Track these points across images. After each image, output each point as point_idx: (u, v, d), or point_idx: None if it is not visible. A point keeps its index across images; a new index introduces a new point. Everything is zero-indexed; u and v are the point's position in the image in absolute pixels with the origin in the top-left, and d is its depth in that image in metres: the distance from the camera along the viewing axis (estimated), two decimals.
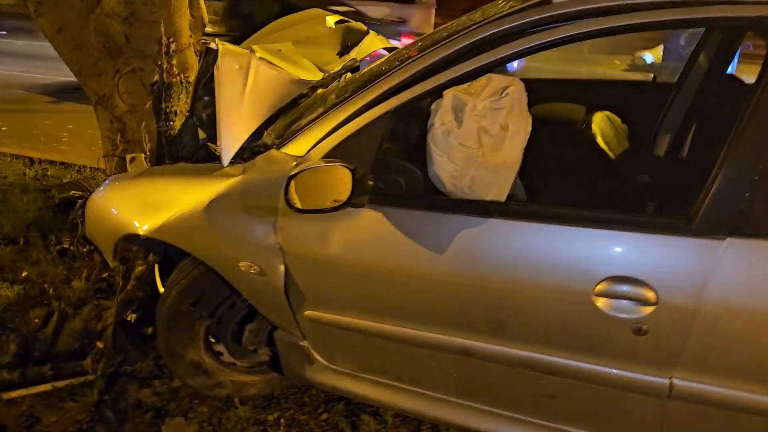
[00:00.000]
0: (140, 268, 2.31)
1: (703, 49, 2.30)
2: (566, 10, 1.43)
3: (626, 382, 1.42)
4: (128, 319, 2.33)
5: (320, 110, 1.68)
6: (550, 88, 2.65)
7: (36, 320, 2.49)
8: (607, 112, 2.39)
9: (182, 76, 2.23)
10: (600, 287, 1.35)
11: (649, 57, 9.95)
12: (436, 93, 1.56)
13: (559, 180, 1.98)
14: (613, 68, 9.97)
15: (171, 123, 2.27)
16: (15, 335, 2.33)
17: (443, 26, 1.86)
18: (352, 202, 1.46)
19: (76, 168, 4.23)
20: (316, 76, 2.03)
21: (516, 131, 1.69)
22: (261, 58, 1.79)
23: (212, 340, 2.01)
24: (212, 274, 1.81)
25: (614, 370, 1.42)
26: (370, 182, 1.50)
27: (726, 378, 1.32)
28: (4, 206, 3.39)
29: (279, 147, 1.65)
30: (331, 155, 1.55)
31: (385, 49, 2.56)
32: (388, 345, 1.68)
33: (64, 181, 3.92)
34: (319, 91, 2.01)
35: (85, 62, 2.17)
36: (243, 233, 1.67)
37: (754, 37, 2.30)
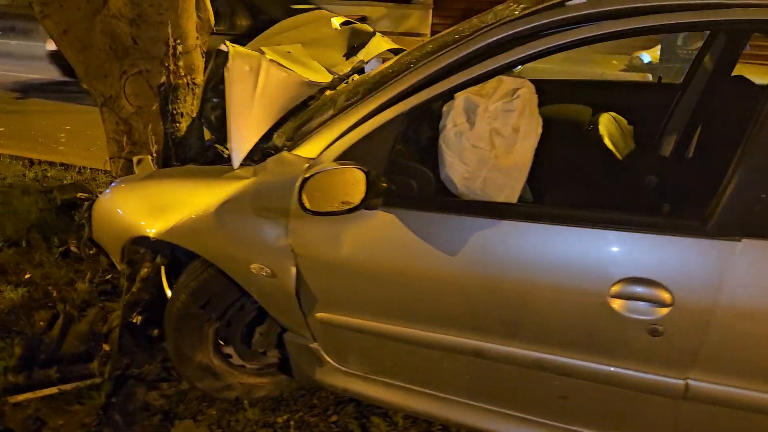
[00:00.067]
0: (146, 270, 2.31)
1: (709, 51, 2.31)
2: (580, 13, 1.43)
3: (641, 383, 1.42)
4: (134, 321, 2.33)
5: (331, 112, 1.68)
6: (555, 89, 2.65)
7: (41, 323, 2.47)
8: (612, 113, 2.40)
9: (189, 77, 2.23)
10: (615, 289, 1.35)
11: (647, 57, 10.00)
12: (450, 95, 1.56)
13: (569, 181, 1.98)
14: (611, 68, 10.01)
15: (178, 125, 2.26)
16: (20, 338, 2.32)
17: (454, 28, 1.86)
18: (366, 204, 1.46)
19: (77, 169, 4.21)
20: (326, 77, 2.02)
21: (527, 133, 1.70)
22: (271, 60, 1.78)
23: (221, 342, 2.01)
24: (222, 276, 1.81)
25: (629, 372, 1.42)
26: (384, 184, 1.49)
27: (741, 379, 1.33)
28: (5, 208, 3.37)
29: (290, 149, 1.65)
30: (344, 157, 1.55)
31: (390, 50, 2.56)
32: (399, 347, 1.68)
33: (65, 182, 3.91)
34: (328, 92, 2.01)
35: (91, 64, 2.16)
36: (254, 235, 1.66)
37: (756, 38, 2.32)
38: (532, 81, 1.74)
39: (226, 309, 1.91)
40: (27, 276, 2.78)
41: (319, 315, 1.71)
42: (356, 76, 2.24)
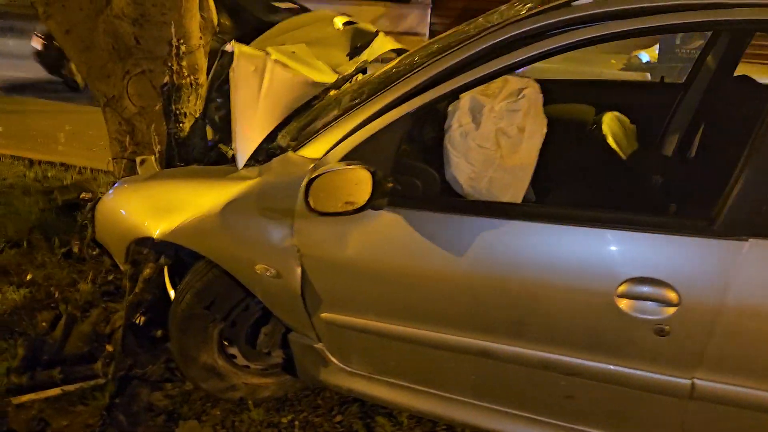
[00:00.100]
0: (148, 270, 2.30)
1: (712, 50, 2.31)
2: (586, 13, 1.43)
3: (647, 382, 1.42)
4: (137, 322, 2.32)
5: (335, 112, 1.68)
6: (557, 89, 2.65)
7: (43, 323, 2.47)
8: (615, 113, 2.40)
9: (192, 77, 2.22)
10: (622, 288, 1.35)
11: (645, 56, 10.01)
12: (456, 95, 1.56)
13: (574, 181, 1.98)
14: (609, 67, 10.02)
15: (181, 125, 2.25)
16: (23, 339, 2.31)
17: (459, 27, 1.85)
18: (372, 204, 1.46)
19: (77, 169, 4.20)
20: (330, 77, 2.02)
21: (532, 132, 1.70)
22: (276, 60, 1.78)
23: (225, 343, 2.00)
24: (226, 276, 1.80)
25: (635, 371, 1.43)
26: (390, 184, 1.49)
27: (748, 378, 1.33)
28: (6, 209, 3.36)
29: (295, 149, 1.64)
30: (349, 157, 1.54)
31: (394, 50, 2.56)
32: (405, 347, 1.68)
33: (65, 182, 3.90)
34: (332, 92, 2.00)
35: (94, 64, 2.15)
36: (259, 236, 1.66)
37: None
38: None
39: (231, 309, 1.90)
40: (29, 277, 2.77)
41: (324, 315, 1.71)
42: (360, 76, 2.24)
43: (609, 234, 1.38)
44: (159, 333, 2.31)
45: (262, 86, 1.75)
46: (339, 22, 2.52)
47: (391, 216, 1.53)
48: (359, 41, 2.45)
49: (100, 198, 2.09)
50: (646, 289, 1.34)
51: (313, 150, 1.61)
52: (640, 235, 1.36)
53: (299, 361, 1.89)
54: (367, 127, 1.55)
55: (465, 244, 1.48)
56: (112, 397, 2.08)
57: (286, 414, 2.04)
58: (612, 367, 1.45)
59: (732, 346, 1.33)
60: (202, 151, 2.36)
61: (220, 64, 1.83)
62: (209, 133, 2.42)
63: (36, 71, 7.49)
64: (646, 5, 1.40)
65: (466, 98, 1.67)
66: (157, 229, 1.80)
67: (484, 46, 1.49)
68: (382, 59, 2.51)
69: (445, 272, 1.51)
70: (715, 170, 1.62)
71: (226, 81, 1.89)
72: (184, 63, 2.17)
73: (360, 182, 1.43)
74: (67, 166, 4.26)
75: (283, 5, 7.25)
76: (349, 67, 2.19)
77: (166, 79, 2.16)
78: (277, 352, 2.02)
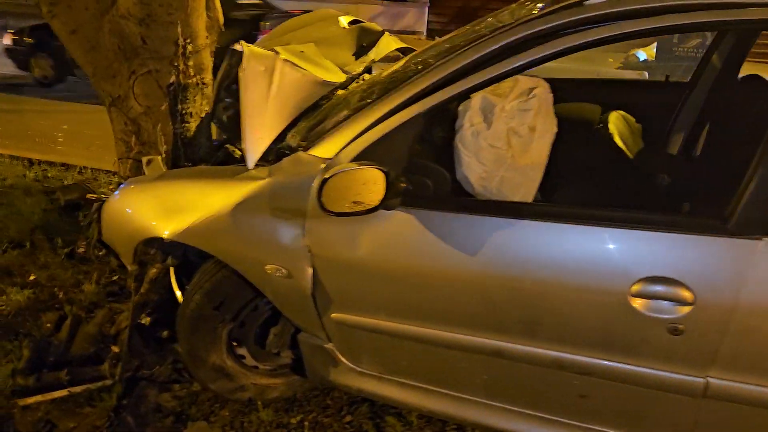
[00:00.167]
0: (154, 270, 2.29)
1: (717, 49, 2.31)
2: (599, 12, 1.43)
3: (661, 381, 1.43)
4: (143, 322, 2.31)
5: (345, 112, 1.67)
6: (563, 88, 2.66)
7: (48, 325, 2.46)
8: (621, 112, 2.41)
9: (198, 77, 2.21)
10: (636, 288, 1.35)
11: (643, 55, 10.02)
12: (468, 95, 1.55)
13: (583, 180, 1.98)
14: (607, 66, 10.02)
15: (187, 125, 2.25)
16: (28, 340, 2.30)
17: (470, 26, 1.85)
18: (385, 204, 1.45)
19: (77, 169, 4.18)
20: (340, 77, 2.01)
21: (543, 132, 1.71)
22: (285, 60, 1.77)
23: (234, 343, 2.00)
24: (236, 277, 1.80)
25: (649, 370, 1.43)
26: (402, 184, 1.49)
27: (762, 377, 1.34)
28: (7, 209, 3.34)
29: (306, 149, 1.64)
30: (361, 157, 1.54)
31: (398, 50, 2.55)
32: (416, 347, 1.68)
33: (66, 182, 3.88)
34: (340, 92, 2.00)
35: (100, 64, 2.14)
36: (270, 236, 1.66)
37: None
38: None
39: (240, 310, 1.90)
40: (32, 277, 2.76)
41: (334, 315, 1.71)
42: (367, 76, 2.23)
43: (623, 233, 1.38)
44: (165, 333, 2.31)
45: (272, 86, 1.74)
46: (344, 21, 2.51)
47: (404, 216, 1.53)
48: (365, 40, 2.44)
49: (106, 198, 2.08)
50: (660, 289, 1.34)
51: (324, 150, 1.60)
52: (654, 234, 1.36)
53: (308, 361, 1.88)
54: (378, 126, 1.54)
55: (478, 244, 1.48)
56: (120, 398, 2.07)
57: (295, 414, 2.03)
58: (625, 366, 1.45)
59: (746, 345, 1.33)
60: (207, 150, 2.36)
61: (229, 63, 1.82)
62: (214, 132, 2.42)
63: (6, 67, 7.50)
64: (658, 5, 1.40)
65: (477, 98, 1.67)
66: (167, 229, 1.79)
67: (496, 46, 1.48)
68: (389, 59, 2.51)
69: (458, 272, 1.51)
70: (726, 169, 1.63)
71: (235, 81, 1.89)
72: (190, 63, 2.17)
73: (373, 182, 1.42)
74: (68, 166, 4.24)
75: (246, 1, 7.17)
76: (357, 67, 2.19)
77: (173, 78, 2.15)
78: (286, 352, 2.02)
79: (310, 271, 1.63)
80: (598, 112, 2.35)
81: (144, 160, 2.11)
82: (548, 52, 1.45)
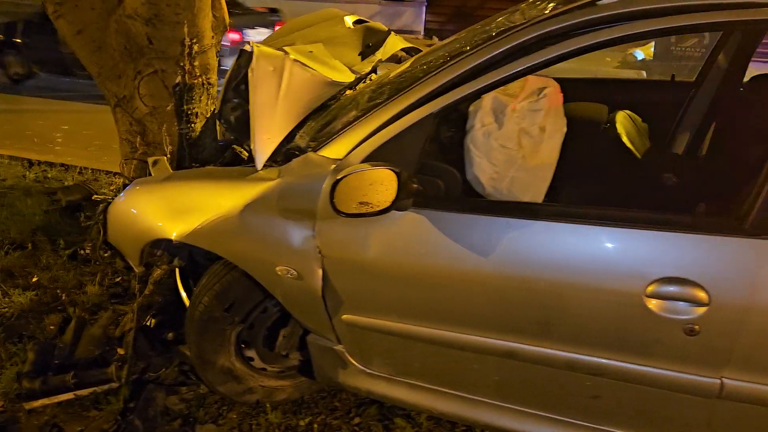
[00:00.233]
0: (159, 272, 2.28)
1: (723, 49, 2.31)
2: (611, 12, 1.42)
3: (675, 382, 1.42)
4: (148, 324, 2.30)
5: (354, 113, 1.66)
6: (568, 87, 2.66)
7: (51, 327, 2.44)
8: (627, 111, 2.40)
9: (204, 77, 2.20)
10: (651, 288, 1.35)
11: (640, 54, 10.07)
12: (480, 95, 1.55)
13: (591, 180, 1.98)
14: (605, 65, 10.07)
15: (192, 125, 2.23)
16: (33, 343, 2.28)
17: (479, 26, 1.84)
18: (397, 205, 1.45)
19: (77, 169, 4.16)
20: (348, 77, 2.00)
21: (553, 132, 1.70)
22: (295, 60, 1.76)
23: (242, 345, 1.98)
24: (245, 278, 1.79)
25: (663, 371, 1.42)
26: (414, 185, 1.49)
27: None
28: (8, 210, 3.32)
29: (315, 150, 1.63)
30: (372, 158, 1.53)
31: (404, 49, 2.55)
32: (427, 348, 1.67)
33: (66, 183, 3.85)
34: (348, 92, 1.99)
35: (105, 64, 2.13)
36: (280, 237, 1.65)
37: None
38: None
39: (250, 312, 1.88)
40: (34, 279, 2.74)
41: (345, 317, 1.70)
42: (373, 76, 2.22)
43: (637, 234, 1.38)
44: (171, 335, 2.30)
45: (281, 86, 1.73)
46: (349, 20, 2.50)
47: (416, 217, 1.52)
48: (370, 40, 2.43)
49: (112, 200, 2.07)
50: (675, 289, 1.34)
51: (334, 150, 1.59)
52: (669, 234, 1.36)
53: (317, 363, 1.87)
54: (389, 127, 1.53)
55: (491, 245, 1.47)
56: (126, 401, 2.05)
57: (303, 417, 2.02)
58: (639, 366, 1.44)
59: (761, 345, 1.33)
60: (212, 151, 2.34)
61: (238, 63, 1.80)
62: (219, 132, 2.41)
63: None
64: (670, 5, 1.40)
65: (488, 98, 1.67)
66: (174, 230, 1.78)
67: (508, 46, 1.48)
68: (394, 59, 2.50)
69: (471, 273, 1.50)
70: (737, 169, 1.63)
71: (243, 81, 1.88)
72: (196, 63, 2.16)
73: (386, 183, 1.41)
74: (68, 166, 4.22)
75: None
76: (365, 66, 2.18)
77: (178, 79, 2.14)
78: (294, 354, 2.00)
79: (320, 272, 1.62)
80: (605, 112, 2.34)
81: (150, 160, 2.09)
82: (560, 53, 1.44)
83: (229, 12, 2.36)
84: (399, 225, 1.54)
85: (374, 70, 2.34)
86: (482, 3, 12.29)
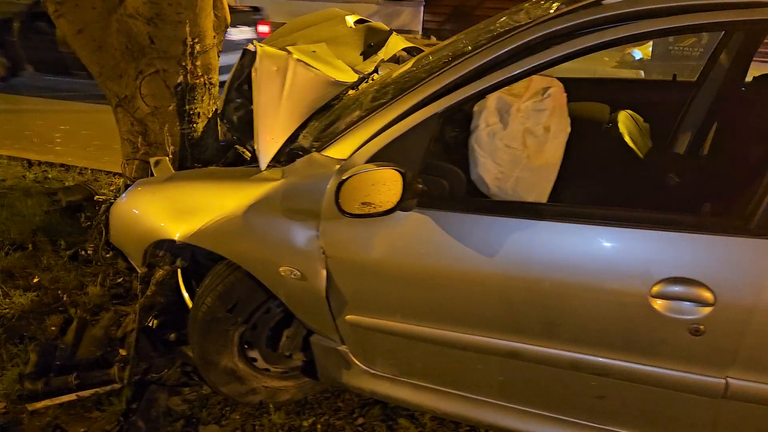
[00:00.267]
0: (161, 272, 2.28)
1: (725, 49, 2.31)
2: (617, 12, 1.42)
3: (680, 382, 1.42)
4: (150, 325, 2.30)
5: (358, 112, 1.66)
6: (569, 87, 2.66)
7: (53, 328, 2.43)
8: (629, 111, 2.41)
9: (206, 77, 2.19)
10: (657, 288, 1.35)
11: (638, 54, 10.08)
12: (485, 95, 1.54)
13: (596, 180, 1.98)
14: (603, 65, 10.06)
15: (194, 125, 2.23)
16: (34, 344, 2.27)
17: (479, 26, 1.84)
18: (402, 205, 1.44)
19: (77, 170, 4.14)
20: (352, 77, 2.00)
21: (557, 132, 1.70)
22: (298, 60, 1.76)
23: (245, 346, 1.98)
24: (249, 279, 1.78)
25: (668, 371, 1.42)
26: (419, 185, 1.48)
27: None
28: (8, 211, 3.31)
29: (319, 150, 1.62)
30: (377, 158, 1.53)
31: (404, 49, 2.54)
32: (431, 348, 1.67)
33: (66, 183, 3.84)
34: (351, 92, 1.98)
35: (107, 64, 2.11)
36: (284, 238, 1.64)
37: None
38: None
39: (253, 312, 1.88)
40: (35, 280, 2.73)
41: (349, 317, 1.70)
42: (375, 75, 2.22)
43: (643, 234, 1.38)
44: (173, 336, 2.29)
45: (285, 86, 1.73)
46: (351, 20, 2.50)
47: (420, 217, 1.52)
48: (372, 40, 2.43)
49: (114, 200, 2.06)
50: (680, 289, 1.34)
51: (338, 150, 1.59)
52: (674, 234, 1.36)
53: (321, 363, 1.87)
54: (394, 127, 1.53)
55: (496, 245, 1.47)
56: (129, 402, 2.05)
57: (306, 417, 2.02)
58: (644, 366, 1.44)
59: (767, 345, 1.33)
60: (214, 151, 2.34)
61: (241, 63, 1.80)
62: (220, 132, 2.40)
63: None
64: (675, 4, 1.40)
65: (492, 98, 1.67)
66: (178, 231, 1.77)
67: (513, 46, 1.48)
68: (395, 59, 2.50)
69: (475, 273, 1.50)
70: (740, 169, 1.63)
71: (246, 81, 1.87)
72: (198, 62, 2.15)
73: (391, 183, 1.41)
74: (67, 166, 4.20)
75: None
76: (367, 66, 2.17)
77: (180, 78, 2.13)
78: (297, 354, 2.00)
79: (324, 272, 1.62)
80: (607, 112, 2.35)
81: (152, 161, 2.09)
82: (565, 52, 1.44)
83: None
84: (403, 225, 1.53)
85: (376, 70, 2.34)
86: (480, 3, 12.29)
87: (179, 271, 2.21)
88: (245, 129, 1.93)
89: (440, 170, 1.66)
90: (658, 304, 1.36)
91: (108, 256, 2.50)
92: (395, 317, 1.65)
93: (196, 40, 2.08)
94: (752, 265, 1.31)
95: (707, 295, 1.32)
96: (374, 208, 1.42)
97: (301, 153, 1.68)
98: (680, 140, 2.45)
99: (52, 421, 2.00)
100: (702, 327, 1.34)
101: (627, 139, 2.20)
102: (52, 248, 2.95)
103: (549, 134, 1.67)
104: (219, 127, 2.38)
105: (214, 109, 2.29)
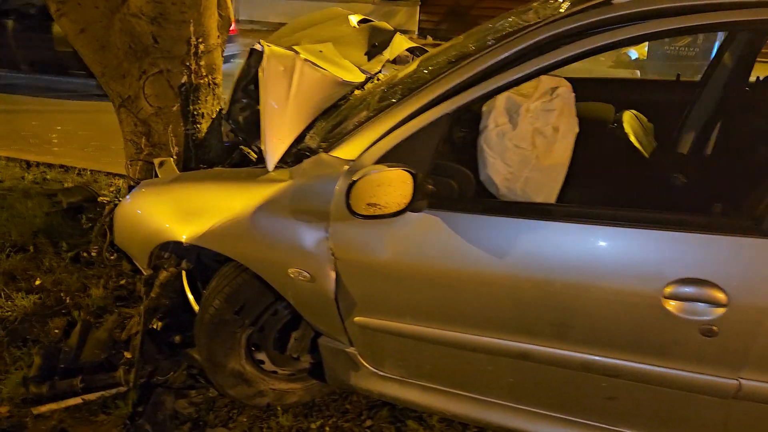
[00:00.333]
0: (165, 274, 2.26)
1: (729, 49, 2.31)
2: (627, 11, 1.42)
3: (692, 383, 1.42)
4: (155, 327, 2.28)
5: (365, 113, 1.65)
6: (573, 87, 2.65)
7: (56, 331, 2.41)
8: (634, 111, 2.40)
9: (210, 77, 2.18)
10: (669, 289, 1.35)
11: (634, 53, 10.10)
12: (496, 95, 1.53)
13: (601, 180, 1.97)
14: (599, 64, 10.08)
15: (198, 126, 2.21)
16: (38, 347, 2.25)
17: (484, 26, 1.83)
18: (412, 206, 1.44)
19: (77, 171, 4.11)
20: (359, 77, 1.99)
21: (566, 132, 1.69)
22: (305, 60, 1.75)
23: (253, 348, 1.97)
24: (256, 280, 1.77)
25: (679, 372, 1.42)
26: (430, 186, 1.48)
27: None
28: (8, 212, 3.28)
29: (327, 150, 1.62)
30: (386, 158, 1.52)
31: (408, 50, 2.53)
32: (441, 350, 1.66)
33: (66, 184, 3.81)
34: (357, 92, 1.97)
35: (109, 63, 2.10)
36: (292, 239, 1.63)
37: None
38: None
39: (261, 314, 1.87)
40: (37, 282, 2.71)
41: (357, 319, 1.69)
42: (381, 76, 2.21)
43: (655, 234, 1.37)
44: (178, 338, 2.28)
45: (292, 86, 1.72)
46: (354, 20, 2.49)
47: (430, 218, 1.51)
48: (376, 39, 2.42)
49: (119, 202, 2.04)
50: (693, 290, 1.34)
51: (347, 151, 1.58)
52: (687, 235, 1.36)
53: (329, 365, 1.86)
54: (403, 127, 1.52)
55: (507, 246, 1.47)
56: (135, 405, 2.03)
57: (314, 419, 2.01)
58: (656, 368, 1.44)
59: None
60: (218, 152, 2.32)
61: (247, 63, 1.79)
62: (224, 133, 2.38)
63: None
64: (686, 4, 1.39)
65: (501, 98, 1.66)
66: (184, 233, 1.76)
67: (522, 46, 1.47)
68: (399, 59, 2.49)
69: (485, 274, 1.50)
70: (747, 169, 1.63)
71: (252, 81, 1.86)
72: (202, 62, 2.13)
73: (401, 184, 1.40)
74: (67, 167, 4.17)
75: None
76: (374, 66, 2.16)
77: (184, 78, 2.11)
78: (305, 356, 1.99)
79: (333, 274, 1.61)
80: (612, 112, 2.34)
81: (156, 162, 2.07)
82: (575, 52, 1.44)
83: None
84: (413, 226, 1.53)
85: (381, 70, 2.33)
86: (476, 2, 12.29)
87: (184, 273, 2.20)
88: (251, 129, 1.92)
89: (449, 171, 1.65)
90: (671, 305, 1.35)
91: (112, 258, 2.48)
92: (405, 319, 1.64)
93: (200, 40, 2.07)
94: (765, 266, 1.30)
95: (720, 296, 1.32)
96: (384, 209, 1.42)
97: (308, 154, 1.67)
98: (684, 140, 2.45)
99: (57, 425, 1.99)
100: (715, 328, 1.34)
101: (632, 139, 2.20)
102: (54, 250, 2.93)
103: (558, 134, 1.66)
104: (222, 128, 2.37)
105: (218, 110, 2.27)
